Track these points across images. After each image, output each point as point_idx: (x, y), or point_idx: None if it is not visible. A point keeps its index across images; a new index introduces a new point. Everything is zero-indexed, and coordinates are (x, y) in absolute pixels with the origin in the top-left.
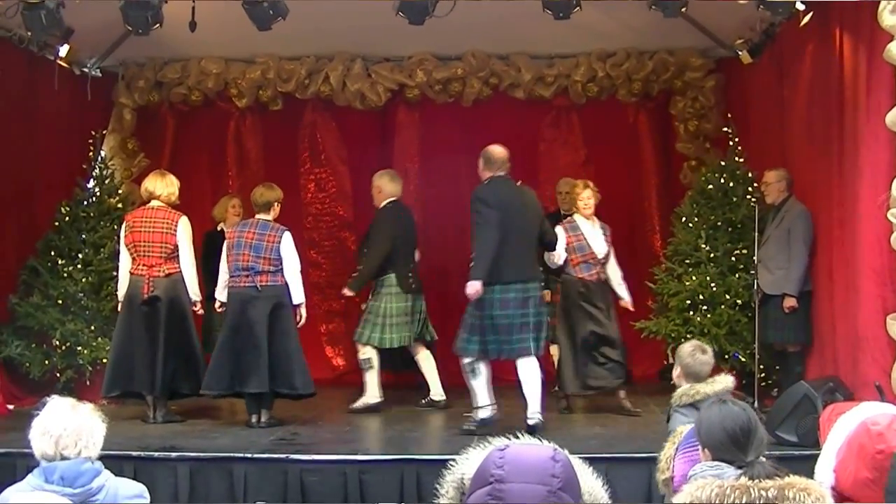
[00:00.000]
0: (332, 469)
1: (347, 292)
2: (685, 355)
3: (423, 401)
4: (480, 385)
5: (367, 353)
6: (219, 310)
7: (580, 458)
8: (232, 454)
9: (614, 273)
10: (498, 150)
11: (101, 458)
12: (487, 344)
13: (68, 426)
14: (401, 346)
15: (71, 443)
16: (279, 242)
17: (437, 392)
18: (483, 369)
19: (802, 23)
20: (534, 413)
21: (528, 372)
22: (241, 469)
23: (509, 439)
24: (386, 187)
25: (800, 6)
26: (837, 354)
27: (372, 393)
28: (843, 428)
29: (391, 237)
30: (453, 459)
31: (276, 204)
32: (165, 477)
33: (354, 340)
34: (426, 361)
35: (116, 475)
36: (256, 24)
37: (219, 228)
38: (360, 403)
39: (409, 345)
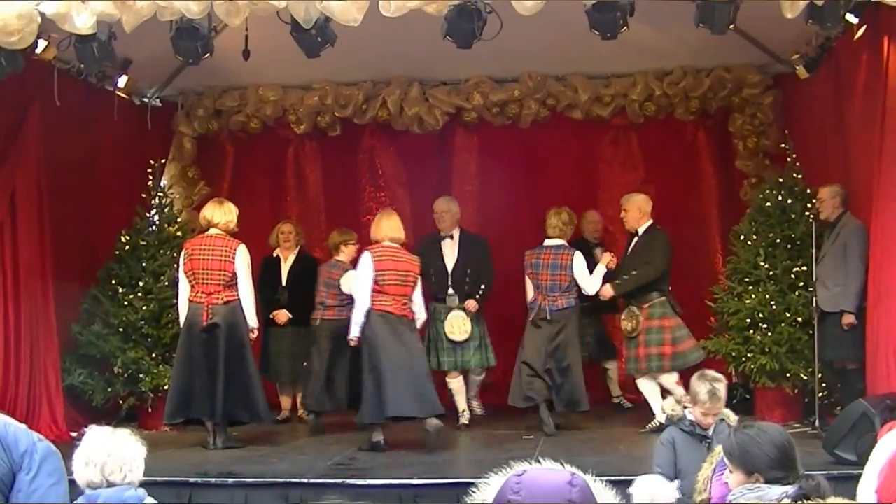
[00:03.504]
0: (387, 493)
1: None
2: None
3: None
4: None
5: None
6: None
7: (608, 479)
8: (288, 479)
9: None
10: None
11: (160, 484)
12: None
13: (112, 452)
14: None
15: (116, 468)
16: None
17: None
18: None
19: (857, 36)
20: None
21: None
22: (297, 494)
23: (530, 464)
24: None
25: (852, 19)
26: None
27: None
28: (885, 448)
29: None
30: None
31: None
32: (222, 502)
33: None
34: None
35: (174, 501)
36: (305, 51)
37: (274, 255)
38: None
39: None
